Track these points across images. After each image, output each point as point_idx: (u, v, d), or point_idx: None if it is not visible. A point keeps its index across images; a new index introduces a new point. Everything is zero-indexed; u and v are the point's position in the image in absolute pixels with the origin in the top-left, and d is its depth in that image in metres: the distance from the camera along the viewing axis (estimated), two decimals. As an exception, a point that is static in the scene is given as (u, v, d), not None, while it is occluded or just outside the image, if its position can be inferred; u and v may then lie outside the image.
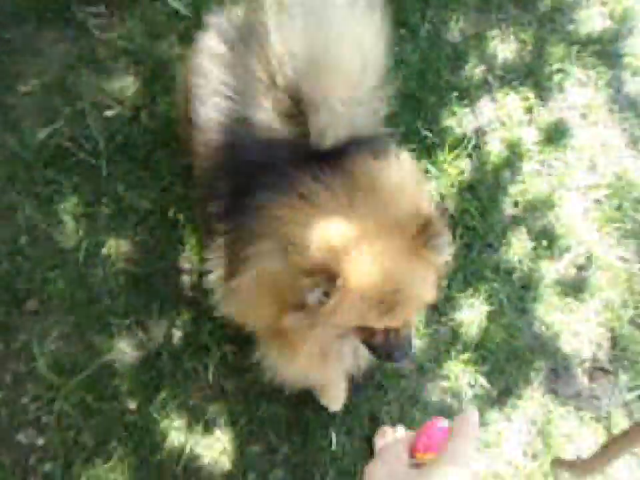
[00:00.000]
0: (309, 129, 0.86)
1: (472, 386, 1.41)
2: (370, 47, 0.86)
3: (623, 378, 1.47)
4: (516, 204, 1.60)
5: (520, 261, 1.53)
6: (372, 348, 0.87)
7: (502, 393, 1.42)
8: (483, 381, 1.42)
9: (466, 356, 1.42)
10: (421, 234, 0.78)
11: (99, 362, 1.35)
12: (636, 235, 1.60)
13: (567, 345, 1.49)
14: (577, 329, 1.50)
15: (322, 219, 0.79)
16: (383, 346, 0.86)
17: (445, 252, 0.82)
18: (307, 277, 0.74)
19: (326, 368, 0.95)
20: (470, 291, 1.48)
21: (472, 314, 1.46)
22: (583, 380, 1.48)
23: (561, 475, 1.12)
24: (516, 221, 1.57)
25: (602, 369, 1.49)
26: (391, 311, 0.78)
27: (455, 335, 1.45)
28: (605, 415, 1.44)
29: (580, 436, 1.41)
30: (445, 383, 1.41)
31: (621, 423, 1.41)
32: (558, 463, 1.12)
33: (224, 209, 0.94)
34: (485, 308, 1.47)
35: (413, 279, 0.79)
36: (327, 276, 0.74)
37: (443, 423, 0.58)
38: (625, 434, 0.93)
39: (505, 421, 1.41)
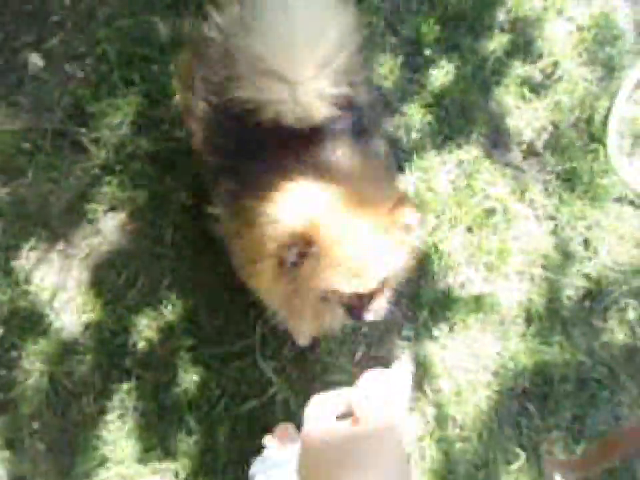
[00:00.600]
0: (288, 111, 0.93)
1: (429, 124, 1.71)
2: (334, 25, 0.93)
3: (550, 161, 1.74)
4: (508, 11, 1.85)
5: (494, 50, 1.79)
6: (347, 309, 0.99)
7: (445, 139, 1.72)
8: (433, 121, 1.71)
9: (425, 101, 1.72)
10: (393, 213, 0.88)
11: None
12: (604, 65, 1.83)
13: (513, 125, 1.76)
14: (526, 116, 1.77)
15: (305, 195, 0.92)
16: (355, 308, 0.96)
17: (414, 232, 0.91)
18: (289, 242, 0.88)
19: (322, 324, 1.08)
20: (445, 58, 1.76)
21: (440, 73, 1.75)
22: (517, 155, 1.76)
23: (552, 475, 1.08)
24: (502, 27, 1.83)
25: (535, 153, 1.76)
26: (358, 279, 0.89)
27: (421, 86, 1.74)
28: (523, 187, 1.72)
29: (495, 186, 1.70)
30: (403, 118, 1.71)
31: (538, 200, 1.69)
32: (550, 463, 1.14)
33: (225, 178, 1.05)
34: (453, 72, 1.75)
35: (382, 252, 0.89)
36: (304, 242, 0.87)
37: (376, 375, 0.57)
38: (619, 437, 0.98)
39: (440, 164, 1.72)
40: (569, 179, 1.72)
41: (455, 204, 1.67)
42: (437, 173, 1.68)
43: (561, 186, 1.73)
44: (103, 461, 1.46)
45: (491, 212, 1.68)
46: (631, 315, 1.65)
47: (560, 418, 1.57)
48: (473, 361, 1.61)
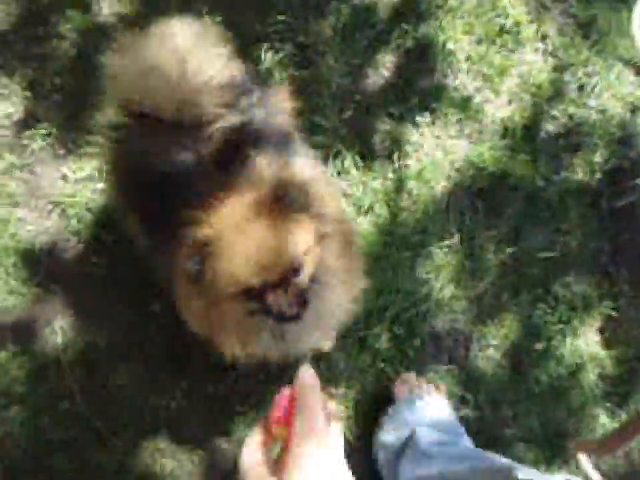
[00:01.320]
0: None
1: None
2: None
3: (576, 5, 1.84)
4: None
5: None
6: (271, 313, 0.95)
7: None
8: None
9: None
10: (277, 201, 0.91)
11: None
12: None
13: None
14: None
15: (204, 210, 0.94)
16: (275, 305, 0.93)
17: (299, 205, 0.91)
18: (188, 253, 0.90)
19: (251, 347, 1.05)
20: None
21: None
22: (546, -9, 1.85)
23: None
24: None
25: None
26: (259, 266, 0.89)
27: None
28: (541, 20, 1.83)
29: (516, 9, 1.82)
30: None
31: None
32: (578, 445, 1.09)
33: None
34: None
35: (274, 237, 0.90)
36: (201, 246, 0.90)
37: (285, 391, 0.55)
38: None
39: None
40: (586, 26, 1.82)
41: (474, 13, 1.79)
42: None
43: (576, 30, 1.83)
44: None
45: (504, 31, 1.80)
46: (597, 158, 1.79)
47: (501, 221, 1.75)
48: (442, 154, 1.78)
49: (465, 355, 1.69)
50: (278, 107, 1.16)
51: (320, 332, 1.12)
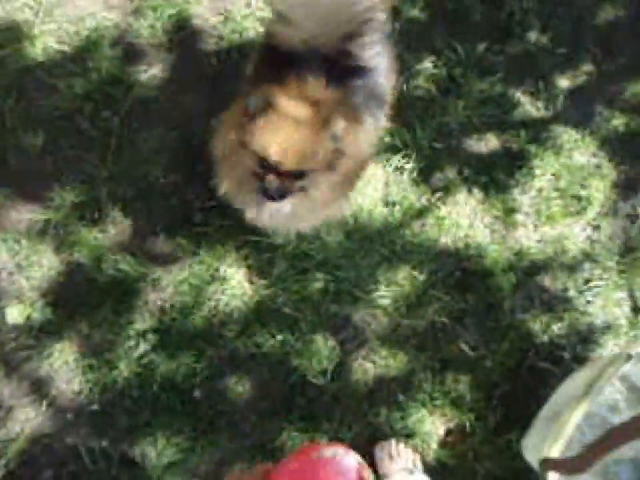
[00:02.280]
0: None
1: None
2: None
3: None
4: None
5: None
6: (261, 189, 1.17)
7: None
8: None
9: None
10: (323, 125, 1.11)
11: None
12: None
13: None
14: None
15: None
16: (267, 183, 1.15)
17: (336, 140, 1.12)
18: (254, 94, 1.12)
19: (241, 195, 1.29)
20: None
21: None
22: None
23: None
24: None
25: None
26: (283, 154, 1.10)
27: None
28: None
29: None
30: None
31: None
32: (547, 463, 1.12)
33: None
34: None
35: (306, 146, 1.10)
36: (264, 102, 1.11)
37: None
38: (615, 432, 0.99)
39: None
40: None
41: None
42: None
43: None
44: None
45: None
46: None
47: None
48: None
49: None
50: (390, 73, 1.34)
51: (294, 220, 1.34)
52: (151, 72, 1.66)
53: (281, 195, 1.17)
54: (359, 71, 1.25)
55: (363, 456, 1.43)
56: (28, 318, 1.54)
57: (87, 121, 1.60)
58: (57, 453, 1.50)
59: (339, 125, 1.12)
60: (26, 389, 1.52)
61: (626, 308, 1.74)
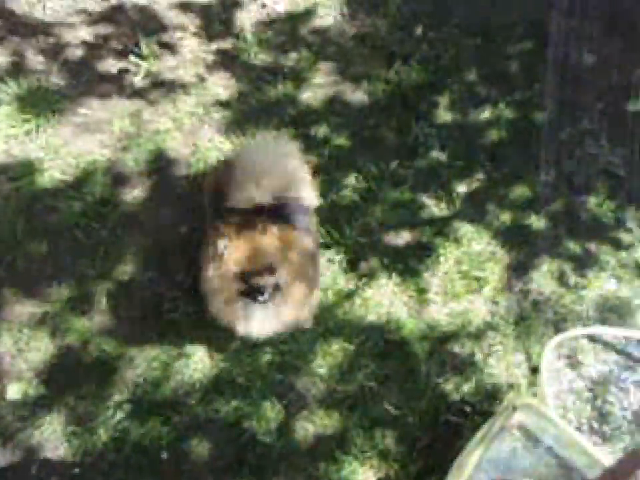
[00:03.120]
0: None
1: None
2: None
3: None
4: None
5: None
6: (247, 293, 1.59)
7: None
8: None
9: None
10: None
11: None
12: None
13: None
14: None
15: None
16: (254, 283, 1.56)
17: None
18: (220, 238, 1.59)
19: (229, 313, 1.67)
20: None
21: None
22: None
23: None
24: None
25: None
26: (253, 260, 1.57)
27: None
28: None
29: None
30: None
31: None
32: None
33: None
34: None
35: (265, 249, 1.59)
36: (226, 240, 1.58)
37: None
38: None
39: None
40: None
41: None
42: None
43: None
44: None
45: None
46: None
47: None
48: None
49: None
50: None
51: (279, 321, 1.69)
52: (134, 193, 2.14)
53: (265, 290, 1.55)
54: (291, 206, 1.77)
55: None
56: (25, 394, 1.86)
57: (81, 232, 2.04)
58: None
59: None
60: (18, 455, 1.81)
61: (525, 369, 2.10)
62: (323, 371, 2.00)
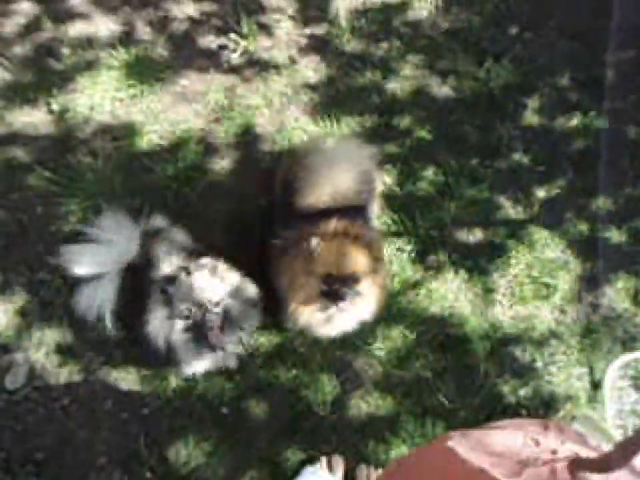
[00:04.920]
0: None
1: None
2: None
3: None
4: None
5: None
6: (328, 295, 1.61)
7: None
8: None
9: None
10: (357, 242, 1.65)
11: None
12: None
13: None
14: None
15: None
16: (333, 292, 1.60)
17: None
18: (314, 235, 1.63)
19: (307, 315, 1.68)
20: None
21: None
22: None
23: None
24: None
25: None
26: (338, 266, 1.60)
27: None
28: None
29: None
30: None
31: None
32: (576, 464, 1.01)
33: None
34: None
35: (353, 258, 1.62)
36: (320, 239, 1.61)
37: None
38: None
39: None
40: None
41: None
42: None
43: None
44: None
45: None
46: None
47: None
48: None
49: None
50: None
51: (353, 321, 1.76)
52: (222, 163, 2.26)
53: (347, 297, 1.59)
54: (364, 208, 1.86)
55: (346, 473, 1.81)
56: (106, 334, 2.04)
57: (171, 194, 2.19)
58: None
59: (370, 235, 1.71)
60: (99, 387, 1.99)
61: (586, 383, 2.07)
62: (381, 354, 2.05)
